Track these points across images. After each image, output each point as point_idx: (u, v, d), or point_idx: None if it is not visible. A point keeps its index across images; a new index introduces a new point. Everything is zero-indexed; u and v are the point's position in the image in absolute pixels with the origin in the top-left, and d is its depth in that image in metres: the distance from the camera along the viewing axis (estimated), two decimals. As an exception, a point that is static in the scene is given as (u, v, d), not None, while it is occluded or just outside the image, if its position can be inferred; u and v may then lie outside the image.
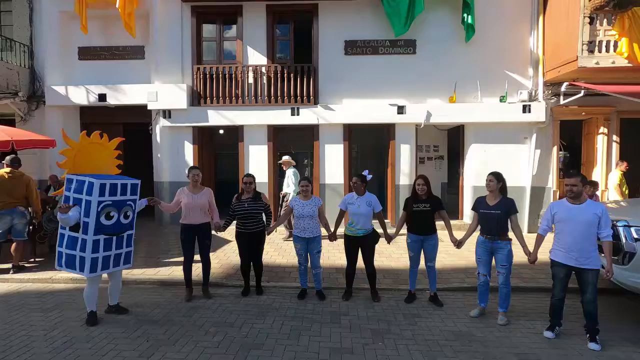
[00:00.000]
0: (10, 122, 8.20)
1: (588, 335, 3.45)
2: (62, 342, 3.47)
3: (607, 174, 7.70)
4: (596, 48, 6.61)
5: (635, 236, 3.72)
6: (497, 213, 3.82)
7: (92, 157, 4.05)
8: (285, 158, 7.44)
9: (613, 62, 6.55)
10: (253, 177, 4.60)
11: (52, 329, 3.74)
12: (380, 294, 4.53)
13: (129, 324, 3.85)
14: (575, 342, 3.49)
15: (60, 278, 5.10)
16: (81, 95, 8.24)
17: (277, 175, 8.73)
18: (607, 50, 6.60)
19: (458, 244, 4.12)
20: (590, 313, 3.42)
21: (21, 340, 3.52)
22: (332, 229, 4.51)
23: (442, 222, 4.33)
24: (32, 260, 5.79)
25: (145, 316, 4.04)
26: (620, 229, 3.84)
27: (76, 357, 3.21)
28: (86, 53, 8.53)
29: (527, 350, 3.35)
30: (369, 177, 4.47)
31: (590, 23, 6.59)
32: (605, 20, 6.63)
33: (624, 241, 3.79)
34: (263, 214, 4.59)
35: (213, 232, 4.58)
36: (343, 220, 4.59)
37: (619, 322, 3.88)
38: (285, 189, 7.27)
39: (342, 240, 4.54)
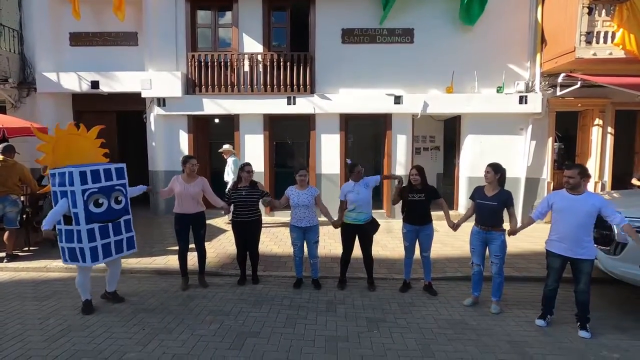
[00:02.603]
0: (1, 110, 8.05)
1: (579, 323, 3.52)
2: (58, 331, 3.47)
3: (601, 165, 7.77)
4: (594, 39, 6.59)
5: (628, 227, 3.76)
6: (492, 204, 3.84)
7: (72, 149, 3.94)
8: (226, 147, 7.54)
9: (610, 54, 6.54)
10: (251, 166, 4.60)
11: (48, 318, 3.73)
12: (376, 283, 4.57)
13: (125, 312, 3.86)
14: (565, 330, 3.56)
15: (55, 267, 5.08)
16: (73, 82, 8.08)
17: (274, 164, 8.70)
18: (605, 42, 6.57)
19: (455, 226, 4.17)
20: (582, 302, 3.47)
21: (16, 329, 3.52)
22: (335, 218, 4.50)
23: (439, 212, 4.34)
24: (26, 249, 5.76)
25: (141, 305, 4.04)
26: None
27: (72, 346, 3.22)
28: (77, 39, 8.33)
29: (519, 338, 3.41)
30: (349, 161, 4.58)
31: (589, 14, 6.55)
32: (604, 10, 6.59)
33: (616, 232, 3.85)
34: (260, 203, 4.58)
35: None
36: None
37: (609, 311, 3.96)
38: (225, 177, 7.45)
39: (339, 228, 4.56)
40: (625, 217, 3.79)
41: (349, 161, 4.57)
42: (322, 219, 4.56)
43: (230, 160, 7.41)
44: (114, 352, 3.12)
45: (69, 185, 3.57)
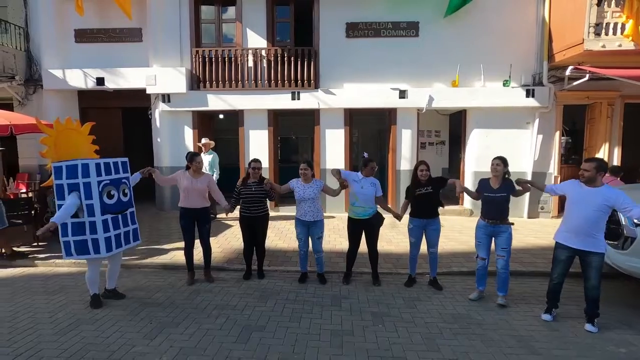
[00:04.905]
0: (8, 107, 8.11)
1: (587, 317, 3.48)
2: (67, 324, 3.53)
3: (609, 159, 7.67)
4: (603, 31, 6.47)
5: (636, 221, 3.72)
6: (502, 196, 3.83)
7: (70, 143, 3.99)
8: (204, 140, 7.44)
9: (620, 45, 6.42)
10: (260, 162, 4.60)
11: (57, 312, 3.79)
12: (381, 278, 4.57)
13: (133, 306, 3.91)
14: (572, 324, 3.54)
15: (63, 262, 5.14)
16: (79, 79, 8.13)
17: (278, 160, 8.70)
18: (614, 33, 6.45)
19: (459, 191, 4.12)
20: (593, 299, 3.42)
21: (26, 322, 3.58)
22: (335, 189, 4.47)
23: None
24: (35, 244, 5.84)
25: (148, 299, 4.09)
26: (621, 215, 3.84)
27: (81, 339, 3.27)
28: (83, 35, 8.36)
29: (525, 333, 3.40)
30: (366, 155, 4.56)
31: (598, 4, 6.43)
32: (613, 1, 6.46)
33: (624, 226, 3.81)
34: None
35: (219, 216, 4.58)
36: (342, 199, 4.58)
37: (616, 306, 3.92)
38: None
39: (343, 224, 4.55)
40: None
41: (365, 155, 4.53)
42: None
43: (208, 156, 7.27)
44: (121, 346, 3.16)
45: (82, 177, 3.60)
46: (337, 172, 4.34)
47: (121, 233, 3.91)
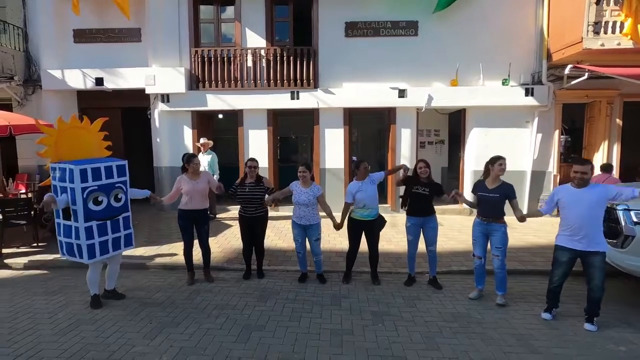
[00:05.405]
0: (7, 107, 8.11)
1: (587, 316, 3.48)
2: (67, 325, 3.53)
3: (608, 157, 7.68)
4: (602, 29, 6.48)
5: (635, 220, 3.74)
6: (495, 197, 3.84)
7: (75, 142, 3.86)
8: (203, 140, 7.42)
9: (619, 44, 6.43)
10: (257, 161, 4.57)
11: (57, 312, 3.79)
12: (380, 277, 4.57)
13: (133, 306, 3.91)
14: (571, 323, 3.55)
15: (63, 262, 5.14)
16: (78, 79, 8.12)
17: (278, 160, 8.69)
18: (613, 32, 6.46)
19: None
20: (596, 299, 3.40)
21: (26, 323, 3.58)
22: (339, 221, 4.38)
23: (443, 206, 4.33)
24: (35, 245, 5.83)
25: (148, 299, 4.09)
26: (620, 213, 3.85)
27: (81, 339, 3.27)
28: (81, 35, 8.35)
29: (524, 331, 3.40)
30: (355, 158, 4.63)
31: (597, 3, 6.43)
32: (612, 0, 6.47)
33: (623, 224, 3.82)
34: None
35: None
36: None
37: (615, 304, 3.92)
38: None
39: (345, 223, 4.55)
40: (633, 210, 3.78)
41: (354, 159, 4.54)
42: (325, 214, 4.55)
43: (207, 157, 7.24)
44: (122, 346, 3.17)
45: (68, 182, 3.54)
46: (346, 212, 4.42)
47: (109, 239, 3.77)
